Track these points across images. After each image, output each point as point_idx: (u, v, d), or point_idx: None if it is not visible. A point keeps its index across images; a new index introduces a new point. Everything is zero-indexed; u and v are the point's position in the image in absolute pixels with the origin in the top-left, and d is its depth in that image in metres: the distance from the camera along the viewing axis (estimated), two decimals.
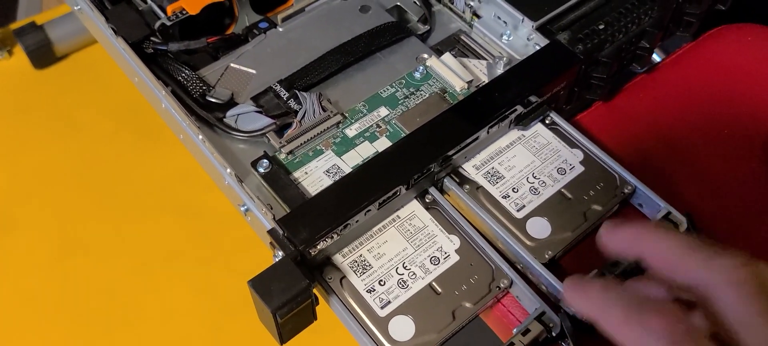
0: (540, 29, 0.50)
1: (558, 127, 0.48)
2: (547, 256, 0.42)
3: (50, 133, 1.00)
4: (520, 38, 0.51)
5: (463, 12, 0.54)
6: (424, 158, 0.43)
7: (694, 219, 0.45)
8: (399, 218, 0.43)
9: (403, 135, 0.45)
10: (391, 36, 0.50)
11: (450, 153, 0.44)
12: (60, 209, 0.93)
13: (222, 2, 0.53)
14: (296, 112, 0.46)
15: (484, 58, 0.52)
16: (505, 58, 0.49)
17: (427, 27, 0.53)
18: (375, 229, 0.43)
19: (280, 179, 0.43)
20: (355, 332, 0.40)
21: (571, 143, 0.48)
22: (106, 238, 0.90)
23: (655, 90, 0.57)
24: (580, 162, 0.47)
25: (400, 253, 0.42)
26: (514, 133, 0.48)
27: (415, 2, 0.55)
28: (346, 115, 0.46)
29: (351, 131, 0.46)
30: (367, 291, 0.40)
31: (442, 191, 0.45)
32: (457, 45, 0.53)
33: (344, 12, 0.53)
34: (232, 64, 0.49)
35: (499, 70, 0.49)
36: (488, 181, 0.45)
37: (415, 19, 0.55)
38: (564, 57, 0.48)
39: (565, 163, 0.46)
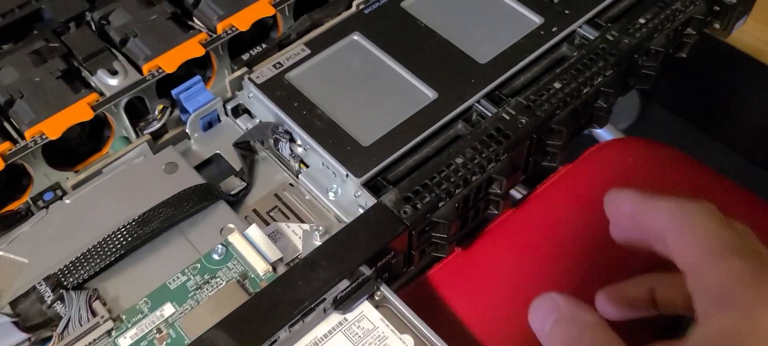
0: (367, 185, 0.43)
1: (388, 306, 0.41)
2: None
3: None
4: (348, 193, 0.44)
5: (289, 161, 0.47)
6: None
7: None
8: None
9: (186, 343, 0.38)
10: (193, 204, 0.43)
11: None
12: None
13: (15, 163, 0.45)
14: (61, 318, 0.38)
15: (310, 221, 0.45)
16: (322, 229, 0.42)
17: (244, 184, 0.46)
18: None
19: None
20: None
21: (402, 327, 0.40)
22: None
23: (520, 231, 0.50)
24: None
25: None
26: (335, 318, 0.40)
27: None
28: (123, 317, 0.39)
29: (125, 340, 0.38)
30: None
31: None
32: (278, 203, 0.46)
33: (146, 174, 0.45)
34: (0, 253, 0.42)
35: (316, 242, 0.42)
36: None
37: (238, 168, 0.47)
38: (389, 223, 0.41)
39: None
